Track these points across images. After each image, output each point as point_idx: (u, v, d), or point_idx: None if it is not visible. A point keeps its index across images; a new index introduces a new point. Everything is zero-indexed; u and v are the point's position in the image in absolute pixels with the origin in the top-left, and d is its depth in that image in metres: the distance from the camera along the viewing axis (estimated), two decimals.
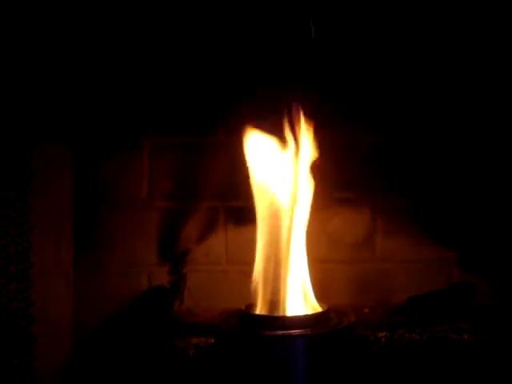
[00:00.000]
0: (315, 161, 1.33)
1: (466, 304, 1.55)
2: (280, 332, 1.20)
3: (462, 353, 1.41)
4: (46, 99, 1.52)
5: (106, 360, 1.49)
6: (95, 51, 1.58)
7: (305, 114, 1.30)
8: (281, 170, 1.32)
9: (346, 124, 1.61)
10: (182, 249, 1.65)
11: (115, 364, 1.46)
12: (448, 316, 1.50)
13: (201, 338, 1.44)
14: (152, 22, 1.58)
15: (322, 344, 1.21)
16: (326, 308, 1.28)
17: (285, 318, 1.25)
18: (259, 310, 1.29)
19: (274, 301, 1.28)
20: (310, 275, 1.30)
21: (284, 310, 1.28)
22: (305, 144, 1.31)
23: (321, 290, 1.32)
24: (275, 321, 1.24)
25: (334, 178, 1.54)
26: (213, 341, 1.38)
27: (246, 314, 1.26)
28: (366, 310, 1.58)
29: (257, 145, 1.34)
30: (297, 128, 1.32)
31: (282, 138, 1.35)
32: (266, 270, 1.31)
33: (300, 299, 1.30)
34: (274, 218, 1.33)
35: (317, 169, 1.31)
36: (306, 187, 1.31)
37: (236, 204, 1.64)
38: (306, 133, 1.31)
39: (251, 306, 1.29)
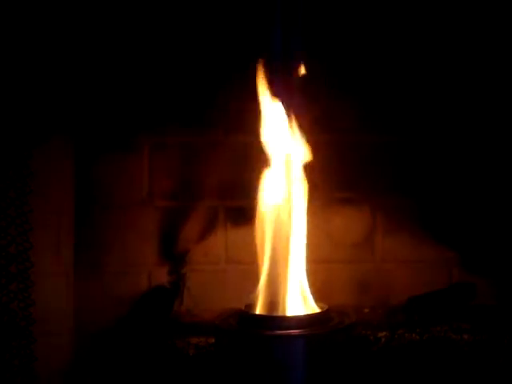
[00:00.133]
0: (314, 160, 1.34)
1: (465, 304, 1.56)
2: (280, 332, 1.20)
3: (462, 353, 1.41)
4: (46, 99, 1.52)
5: (106, 360, 1.48)
6: (95, 53, 1.58)
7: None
8: (281, 169, 1.32)
9: (347, 124, 1.61)
10: (182, 249, 1.65)
11: (115, 364, 1.46)
12: (448, 316, 1.50)
13: (201, 338, 1.44)
14: (152, 20, 1.58)
15: (322, 344, 1.21)
16: (326, 308, 1.28)
17: (285, 318, 1.25)
18: (259, 310, 1.29)
19: (274, 301, 1.28)
20: (310, 275, 1.30)
21: (284, 310, 1.28)
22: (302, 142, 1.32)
23: (321, 289, 1.32)
24: (275, 321, 1.24)
25: (335, 178, 1.55)
26: (213, 341, 1.38)
27: (246, 313, 1.27)
28: (367, 310, 1.58)
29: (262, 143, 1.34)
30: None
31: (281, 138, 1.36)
32: (266, 269, 1.31)
33: (300, 299, 1.30)
34: (275, 217, 1.33)
35: (317, 169, 1.31)
36: (306, 187, 1.32)
37: (235, 204, 1.64)
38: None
39: (251, 305, 1.29)
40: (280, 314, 1.27)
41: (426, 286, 1.58)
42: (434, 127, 1.63)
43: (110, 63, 1.59)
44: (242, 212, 1.63)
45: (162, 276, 1.63)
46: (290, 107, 1.32)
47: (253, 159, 1.37)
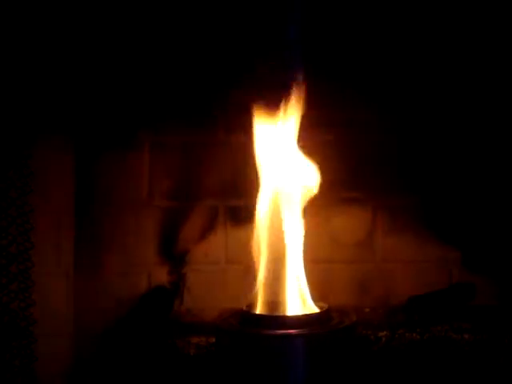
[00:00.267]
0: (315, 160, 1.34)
1: (466, 304, 1.56)
2: (281, 332, 1.20)
3: (463, 352, 1.41)
4: (45, 98, 1.51)
5: (106, 360, 1.48)
6: (95, 52, 1.58)
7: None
8: (282, 169, 1.32)
9: (349, 123, 1.61)
10: (182, 249, 1.65)
11: (116, 364, 1.46)
12: (448, 316, 1.50)
13: (201, 338, 1.44)
14: (151, 18, 1.58)
15: (322, 343, 1.21)
16: (326, 307, 1.28)
17: (285, 318, 1.25)
18: (260, 309, 1.29)
19: (275, 301, 1.28)
20: (311, 275, 1.30)
21: (284, 309, 1.28)
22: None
23: (322, 289, 1.33)
24: (276, 320, 1.24)
25: (336, 178, 1.54)
26: (213, 340, 1.38)
27: (246, 313, 1.27)
28: (367, 310, 1.58)
29: (260, 143, 1.34)
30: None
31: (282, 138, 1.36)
32: (266, 269, 1.31)
33: (300, 299, 1.30)
34: (275, 217, 1.33)
35: (319, 168, 1.31)
36: (308, 186, 1.32)
37: (235, 203, 1.64)
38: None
39: (252, 305, 1.29)
40: (280, 313, 1.27)
41: (426, 285, 1.58)
42: (436, 127, 1.63)
43: (111, 62, 1.59)
44: (242, 212, 1.63)
45: (162, 276, 1.63)
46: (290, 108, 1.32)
47: (253, 159, 1.37)
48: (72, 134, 1.58)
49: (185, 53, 1.60)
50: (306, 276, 1.33)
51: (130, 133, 1.63)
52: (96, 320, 1.58)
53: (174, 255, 1.65)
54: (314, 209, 1.31)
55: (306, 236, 1.32)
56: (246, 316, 1.26)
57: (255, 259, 1.31)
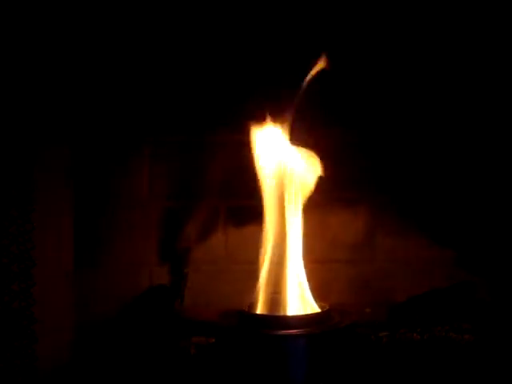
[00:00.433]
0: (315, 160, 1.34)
1: (466, 304, 1.56)
2: (281, 331, 1.21)
3: (463, 352, 1.41)
4: (45, 95, 1.51)
5: (107, 359, 1.48)
6: (95, 54, 1.58)
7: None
8: (283, 169, 1.33)
9: (348, 123, 1.61)
10: (183, 248, 1.65)
11: (116, 363, 1.46)
12: (449, 316, 1.50)
13: (201, 337, 1.44)
14: (152, 23, 1.58)
15: (323, 343, 1.21)
16: (327, 307, 1.28)
17: (286, 318, 1.26)
18: (260, 309, 1.29)
19: (275, 300, 1.29)
20: (311, 275, 1.31)
21: (285, 309, 1.28)
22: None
23: (322, 289, 1.33)
24: (276, 320, 1.24)
25: (335, 178, 1.54)
26: (214, 340, 1.38)
27: (247, 313, 1.27)
28: (367, 310, 1.58)
29: (261, 143, 1.34)
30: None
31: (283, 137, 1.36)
32: (266, 269, 1.32)
33: (301, 299, 1.31)
34: (275, 217, 1.33)
35: (318, 168, 1.31)
36: (308, 187, 1.32)
37: (236, 203, 1.65)
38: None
39: (252, 305, 1.30)
40: (281, 313, 1.28)
41: (426, 285, 1.58)
42: (434, 128, 1.63)
43: (113, 62, 1.59)
44: (243, 212, 1.63)
45: (163, 275, 1.64)
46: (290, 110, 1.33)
47: (253, 158, 1.38)
48: (73, 132, 1.58)
49: (184, 55, 1.61)
50: (307, 276, 1.34)
51: (130, 132, 1.63)
52: (97, 319, 1.58)
53: (175, 254, 1.65)
54: (315, 209, 1.31)
55: (307, 236, 1.32)
56: (247, 316, 1.26)
57: (256, 259, 1.32)
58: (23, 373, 1.42)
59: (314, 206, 1.34)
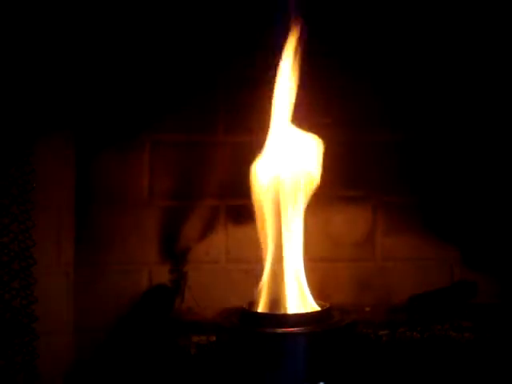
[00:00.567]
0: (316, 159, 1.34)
1: (467, 302, 1.56)
2: (282, 330, 1.20)
3: (463, 351, 1.41)
4: (46, 96, 1.51)
5: (107, 358, 1.48)
6: (96, 48, 1.58)
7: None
8: (281, 169, 1.33)
9: (349, 123, 1.61)
10: (183, 247, 1.65)
11: (116, 362, 1.46)
12: (449, 314, 1.50)
13: (202, 337, 1.44)
14: (152, 17, 1.58)
15: (323, 342, 1.21)
16: (327, 306, 1.28)
17: (286, 316, 1.25)
18: (260, 308, 1.29)
19: (276, 299, 1.29)
20: (312, 273, 1.31)
21: (285, 308, 1.28)
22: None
23: (322, 288, 1.33)
24: (276, 319, 1.24)
25: (336, 176, 1.55)
26: (214, 339, 1.38)
27: (247, 311, 1.27)
28: (368, 309, 1.58)
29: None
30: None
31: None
32: (267, 268, 1.32)
33: (301, 297, 1.30)
34: (275, 216, 1.33)
35: (319, 167, 1.31)
36: (308, 185, 1.32)
37: (236, 202, 1.65)
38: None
39: (252, 303, 1.29)
40: (281, 311, 1.27)
41: (427, 284, 1.58)
42: (436, 126, 1.63)
43: (112, 60, 1.59)
44: (243, 211, 1.63)
45: (163, 275, 1.63)
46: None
47: (253, 158, 1.37)
48: (73, 132, 1.58)
49: (184, 52, 1.61)
50: (307, 275, 1.33)
51: (130, 132, 1.63)
52: (97, 318, 1.58)
53: (175, 254, 1.65)
54: (315, 207, 1.31)
55: (306, 234, 1.32)
56: (247, 314, 1.26)
57: (256, 257, 1.31)
58: (24, 370, 1.42)
59: (315, 204, 1.34)
